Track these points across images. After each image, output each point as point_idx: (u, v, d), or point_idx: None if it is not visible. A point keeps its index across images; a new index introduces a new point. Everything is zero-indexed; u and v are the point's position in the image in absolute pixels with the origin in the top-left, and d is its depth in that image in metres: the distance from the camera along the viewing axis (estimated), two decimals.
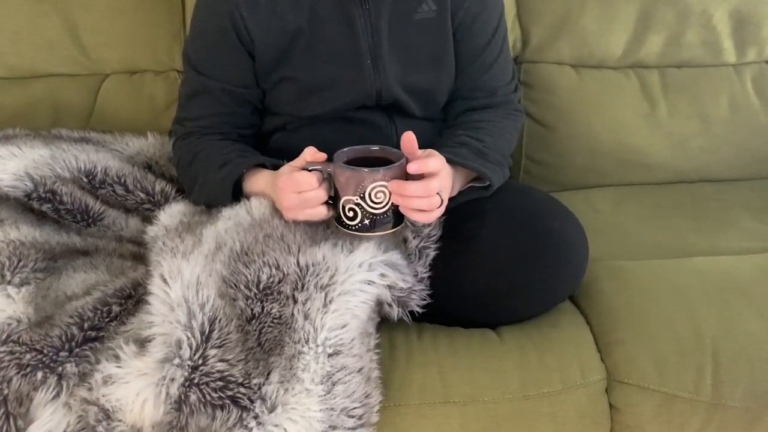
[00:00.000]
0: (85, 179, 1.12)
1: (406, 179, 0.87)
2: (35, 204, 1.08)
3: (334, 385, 0.80)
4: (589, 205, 1.30)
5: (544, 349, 0.93)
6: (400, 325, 0.96)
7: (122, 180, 1.13)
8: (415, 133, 1.07)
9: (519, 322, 0.97)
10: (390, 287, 0.90)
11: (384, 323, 0.95)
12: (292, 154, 1.02)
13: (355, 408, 0.80)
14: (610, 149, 1.36)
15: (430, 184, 0.86)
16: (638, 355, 0.93)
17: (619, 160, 1.36)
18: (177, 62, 1.36)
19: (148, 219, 1.13)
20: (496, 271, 0.92)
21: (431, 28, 1.05)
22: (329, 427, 0.78)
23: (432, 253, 0.97)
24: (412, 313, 0.94)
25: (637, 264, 1.06)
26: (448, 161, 0.95)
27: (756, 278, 1.01)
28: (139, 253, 1.06)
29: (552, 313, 0.99)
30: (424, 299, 0.94)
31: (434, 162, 0.87)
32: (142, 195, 1.14)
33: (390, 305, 0.92)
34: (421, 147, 0.96)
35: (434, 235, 0.98)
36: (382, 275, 0.89)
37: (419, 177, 0.87)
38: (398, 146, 0.91)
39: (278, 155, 1.04)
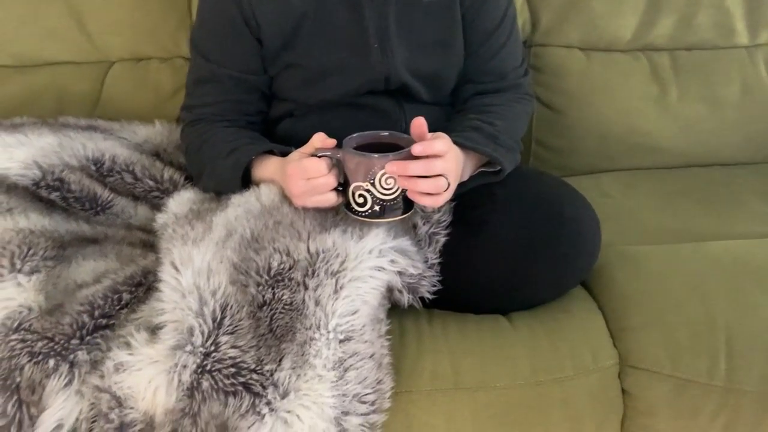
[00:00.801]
0: (93, 167, 1.12)
1: None
2: (43, 192, 1.07)
3: (346, 371, 0.79)
4: (599, 189, 1.29)
5: (556, 334, 0.92)
6: (411, 312, 0.95)
7: (130, 168, 1.13)
8: (424, 118, 1.07)
9: (531, 308, 0.97)
10: (400, 273, 0.90)
11: (394, 309, 0.94)
12: (300, 140, 1.01)
13: (367, 394, 0.80)
14: (620, 133, 1.35)
15: (432, 163, 0.85)
16: (651, 340, 0.92)
17: (629, 144, 1.35)
18: (183, 49, 1.35)
19: (157, 207, 1.13)
20: (507, 258, 0.92)
21: (439, 12, 1.04)
22: (342, 413, 0.78)
23: (442, 239, 0.96)
24: (422, 299, 0.94)
25: (650, 249, 1.05)
26: (459, 145, 0.94)
27: None
28: (148, 241, 1.06)
29: (564, 299, 0.98)
30: (435, 285, 0.94)
31: (439, 144, 0.86)
32: (151, 183, 1.14)
33: (400, 291, 0.91)
34: (430, 132, 0.95)
35: (444, 221, 0.97)
36: (392, 261, 0.88)
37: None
38: (407, 132, 0.90)
39: (286, 142, 1.03)
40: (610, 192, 1.29)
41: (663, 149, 1.36)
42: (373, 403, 0.80)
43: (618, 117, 1.35)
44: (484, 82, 1.10)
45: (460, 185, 0.96)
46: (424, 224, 0.97)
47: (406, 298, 0.92)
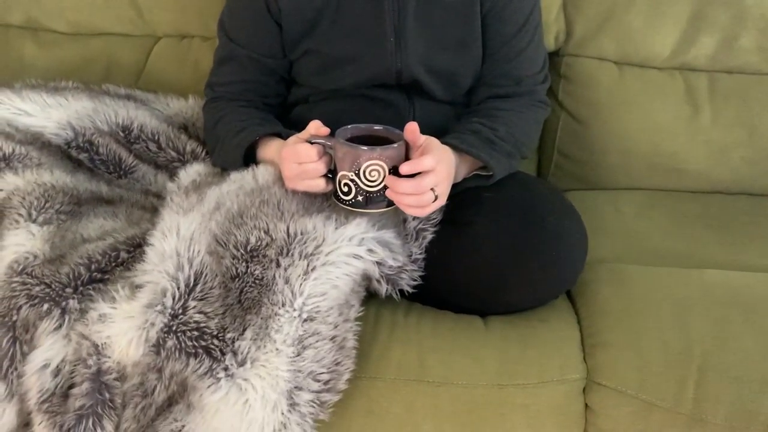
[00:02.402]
0: (121, 133, 1.19)
1: (405, 160, 0.89)
2: (73, 152, 1.16)
3: (304, 348, 0.83)
4: (614, 205, 1.28)
5: (527, 341, 0.93)
6: (390, 302, 0.98)
7: (156, 137, 1.20)
8: (433, 116, 1.09)
9: (509, 313, 0.98)
10: (379, 264, 0.92)
11: (375, 298, 0.97)
12: None
13: (322, 373, 0.83)
14: (644, 151, 1.32)
15: (422, 182, 0.87)
16: (621, 358, 0.91)
17: (652, 164, 1.32)
18: None
19: (175, 176, 1.20)
20: (487, 260, 0.93)
21: (460, 11, 1.06)
22: (294, 387, 0.82)
23: (429, 236, 0.98)
24: (405, 292, 0.97)
25: (643, 269, 1.04)
26: (454, 147, 0.96)
27: (764, 297, 0.97)
28: (159, 207, 1.13)
29: (545, 309, 0.98)
30: (416, 279, 0.96)
31: (427, 162, 0.87)
32: (173, 153, 1.20)
33: (378, 281, 0.94)
34: (439, 130, 0.97)
35: (434, 218, 0.99)
36: (371, 251, 0.91)
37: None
38: None
39: (298, 126, 1.07)
40: (624, 209, 1.27)
41: (688, 172, 1.32)
42: (326, 383, 0.83)
43: (644, 134, 1.32)
44: (499, 86, 1.10)
45: (453, 186, 0.98)
46: (413, 219, 0.99)
47: (384, 289, 0.95)
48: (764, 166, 1.32)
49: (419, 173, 0.87)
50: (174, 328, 0.82)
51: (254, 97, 1.13)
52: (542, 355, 0.92)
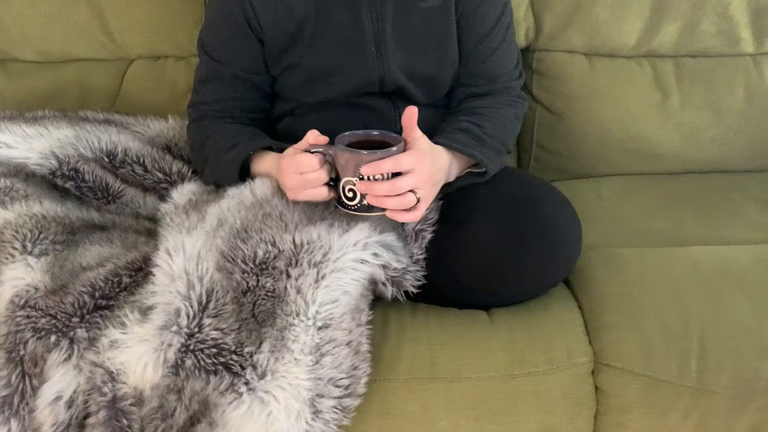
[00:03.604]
0: (106, 159, 1.18)
1: None
2: (59, 181, 1.15)
3: (322, 356, 0.84)
4: (595, 192, 1.32)
5: (533, 330, 0.96)
6: (396, 304, 0.99)
7: (141, 160, 1.19)
8: (418, 118, 1.11)
9: (511, 305, 1.00)
10: (384, 267, 0.94)
11: (380, 301, 0.99)
12: (299, 137, 1.05)
13: (341, 378, 0.84)
14: (620, 138, 1.37)
15: (398, 183, 0.87)
16: (625, 339, 0.94)
17: (629, 150, 1.37)
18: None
19: (164, 198, 1.19)
20: (487, 255, 0.95)
21: (436, 16, 1.08)
22: (316, 395, 0.83)
23: (428, 236, 1.00)
24: (408, 292, 0.98)
25: (633, 252, 1.07)
26: (446, 147, 0.98)
27: (751, 268, 1.01)
28: (153, 230, 1.12)
29: (545, 297, 1.01)
30: (419, 280, 0.98)
31: (405, 161, 0.88)
32: (160, 175, 1.20)
33: (384, 284, 0.95)
34: (424, 132, 0.98)
35: (431, 218, 1.01)
36: (375, 255, 0.92)
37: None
38: (400, 131, 0.94)
39: (286, 139, 1.08)
40: (607, 195, 1.31)
41: (663, 155, 1.37)
42: (347, 388, 0.84)
43: (619, 122, 1.36)
44: (476, 85, 1.13)
45: (447, 185, 1.00)
46: None
47: (389, 291, 0.96)
48: (732, 145, 1.37)
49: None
50: (191, 347, 0.82)
51: (240, 114, 1.13)
52: (549, 342, 0.94)
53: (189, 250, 0.88)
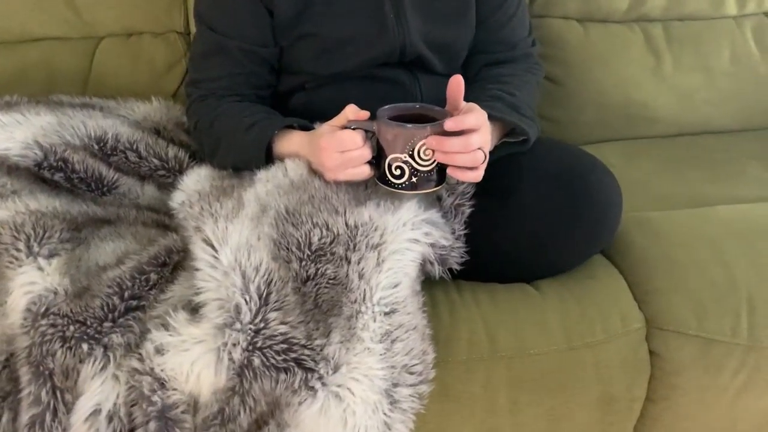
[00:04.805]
0: (95, 146, 1.08)
1: None
2: (47, 173, 1.03)
3: (393, 342, 0.79)
4: (602, 159, 1.30)
5: (585, 300, 0.94)
6: (439, 283, 0.95)
7: (134, 146, 1.10)
8: (438, 90, 1.06)
9: (554, 275, 0.98)
10: (432, 245, 0.90)
11: (423, 282, 0.94)
12: (315, 113, 1.00)
13: (415, 365, 0.80)
14: (618, 103, 1.37)
15: (470, 139, 0.84)
16: (676, 302, 0.94)
17: (627, 114, 1.37)
18: (177, 23, 1.31)
19: (164, 186, 1.10)
20: (535, 226, 0.92)
21: None
22: (392, 384, 0.78)
23: (467, 210, 0.96)
24: (449, 270, 0.94)
25: (663, 215, 1.08)
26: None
27: None
28: (160, 221, 1.03)
29: (585, 266, 0.99)
30: (463, 256, 0.94)
31: (472, 118, 0.85)
32: (156, 161, 1.10)
33: (432, 263, 0.91)
34: (444, 104, 0.94)
35: (468, 192, 0.97)
36: (426, 233, 0.88)
37: (459, 133, 0.85)
38: (424, 102, 0.89)
39: (300, 116, 1.01)
40: (613, 162, 1.29)
41: (659, 119, 1.38)
42: (420, 374, 0.80)
43: (615, 88, 1.36)
44: (496, 52, 1.09)
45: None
46: (449, 196, 0.96)
47: (437, 270, 0.92)
48: (724, 105, 1.40)
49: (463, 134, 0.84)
50: (259, 344, 0.75)
51: (247, 91, 1.05)
52: (602, 311, 0.93)
53: (236, 240, 0.80)
